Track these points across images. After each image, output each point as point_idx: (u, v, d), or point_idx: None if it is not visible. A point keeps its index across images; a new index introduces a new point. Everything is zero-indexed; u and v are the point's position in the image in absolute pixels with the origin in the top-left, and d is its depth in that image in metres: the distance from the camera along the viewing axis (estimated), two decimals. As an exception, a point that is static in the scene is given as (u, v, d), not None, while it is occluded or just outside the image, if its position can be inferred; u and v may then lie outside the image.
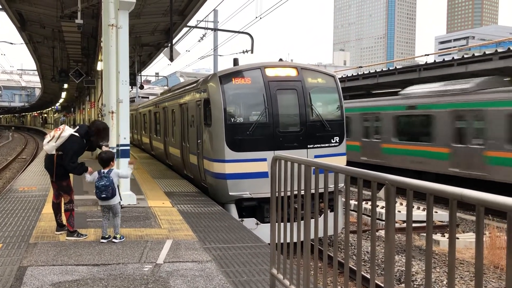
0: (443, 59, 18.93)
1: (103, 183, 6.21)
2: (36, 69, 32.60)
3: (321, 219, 3.64)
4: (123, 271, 5.18)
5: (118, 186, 6.56)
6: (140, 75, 30.17)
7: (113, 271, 5.18)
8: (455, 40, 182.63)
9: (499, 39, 33.27)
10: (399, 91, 20.08)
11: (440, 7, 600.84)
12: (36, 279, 4.89)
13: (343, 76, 24.98)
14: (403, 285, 7.89)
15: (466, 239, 10.36)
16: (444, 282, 8.25)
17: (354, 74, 24.57)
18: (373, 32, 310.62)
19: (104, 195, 6.24)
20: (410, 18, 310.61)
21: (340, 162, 9.75)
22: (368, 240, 10.87)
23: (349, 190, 5.32)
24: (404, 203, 12.51)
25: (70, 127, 6.67)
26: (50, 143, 6.37)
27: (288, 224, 4.22)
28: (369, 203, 12.98)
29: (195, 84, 11.76)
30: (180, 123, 13.34)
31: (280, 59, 11.77)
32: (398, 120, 19.03)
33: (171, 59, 15.64)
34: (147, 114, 21.39)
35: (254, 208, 9.75)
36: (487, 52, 16.91)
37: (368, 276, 7.84)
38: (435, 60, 19.53)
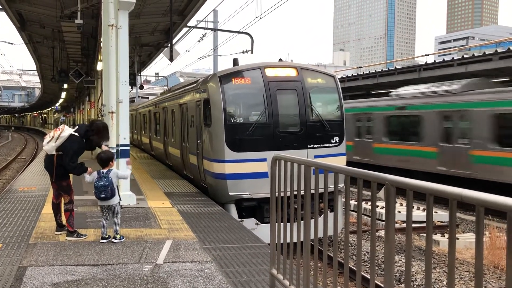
0: (443, 59, 19.01)
1: (102, 183, 6.21)
2: (36, 69, 32.59)
3: (321, 219, 3.64)
4: (123, 271, 5.18)
5: (117, 186, 6.55)
6: (140, 75, 30.18)
7: (113, 271, 5.18)
8: (455, 40, 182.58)
9: (499, 39, 33.30)
10: None
11: (440, 7, 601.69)
12: (35, 279, 4.88)
13: (343, 76, 25.02)
14: (403, 285, 7.88)
15: (466, 239, 10.36)
16: (444, 282, 8.25)
17: (354, 74, 24.60)
18: (373, 32, 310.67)
19: (103, 195, 6.23)
20: (410, 18, 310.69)
21: (340, 162, 9.74)
22: (368, 240, 10.86)
23: (349, 190, 5.32)
24: (404, 203, 12.50)
25: (69, 127, 6.67)
26: (50, 144, 6.36)
27: (288, 224, 4.21)
28: (369, 203, 12.97)
29: (195, 84, 11.75)
30: (180, 123, 13.33)
31: (280, 59, 11.76)
32: (389, 121, 19.32)
33: (171, 59, 15.65)
34: (147, 114, 21.39)
35: (254, 208, 9.75)
36: (487, 52, 16.99)
37: (368, 276, 7.84)
38: (435, 60, 19.57)
